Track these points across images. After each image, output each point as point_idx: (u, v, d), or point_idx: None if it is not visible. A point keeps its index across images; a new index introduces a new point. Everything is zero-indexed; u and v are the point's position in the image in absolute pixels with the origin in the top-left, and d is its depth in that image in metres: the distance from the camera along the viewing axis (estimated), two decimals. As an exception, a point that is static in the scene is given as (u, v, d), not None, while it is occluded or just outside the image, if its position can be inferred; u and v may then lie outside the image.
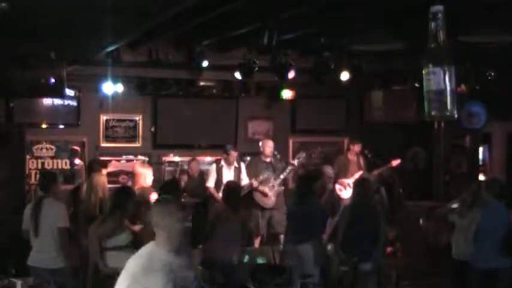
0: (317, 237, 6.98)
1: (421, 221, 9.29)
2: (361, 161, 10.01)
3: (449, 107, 4.13)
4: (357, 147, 10.02)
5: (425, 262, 8.83)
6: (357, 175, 9.46)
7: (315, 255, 6.87)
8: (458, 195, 7.12)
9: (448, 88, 4.12)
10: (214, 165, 9.37)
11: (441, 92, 4.12)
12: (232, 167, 9.30)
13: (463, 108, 10.08)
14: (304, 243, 6.87)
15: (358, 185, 7.18)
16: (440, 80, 4.10)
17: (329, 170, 9.10)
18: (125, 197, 6.00)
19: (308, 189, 7.13)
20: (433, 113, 4.20)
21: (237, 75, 8.96)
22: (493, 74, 8.85)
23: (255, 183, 9.20)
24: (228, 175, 9.23)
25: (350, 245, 6.77)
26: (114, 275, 5.52)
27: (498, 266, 6.14)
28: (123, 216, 5.86)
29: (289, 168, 9.50)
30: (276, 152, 9.51)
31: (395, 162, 9.93)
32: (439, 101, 4.14)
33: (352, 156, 10.02)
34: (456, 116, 4.21)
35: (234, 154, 9.25)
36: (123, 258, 5.60)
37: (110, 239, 5.76)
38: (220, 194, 8.76)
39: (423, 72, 4.21)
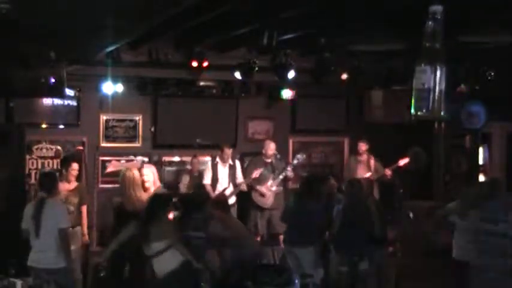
0: (318, 238, 7.00)
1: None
2: (372, 161, 9.96)
3: (436, 107, 4.09)
4: (362, 146, 9.99)
5: (426, 262, 8.83)
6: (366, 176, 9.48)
7: (316, 255, 6.88)
8: (458, 195, 7.13)
9: (437, 88, 4.08)
10: (209, 163, 9.45)
11: (429, 91, 4.08)
12: (227, 165, 9.37)
13: (463, 108, 10.08)
14: (305, 244, 6.87)
15: (349, 186, 7.23)
16: (430, 78, 4.07)
17: (333, 182, 9.12)
18: (159, 205, 6.20)
19: (313, 190, 7.16)
20: (419, 113, 4.16)
21: (237, 75, 8.97)
22: (493, 74, 8.84)
23: (245, 185, 9.26)
24: (222, 172, 9.33)
25: (342, 245, 6.79)
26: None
27: (498, 267, 6.14)
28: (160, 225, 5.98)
29: (289, 168, 9.53)
30: (276, 153, 9.55)
31: (403, 162, 9.90)
32: (426, 99, 4.10)
33: (361, 157, 10.01)
34: (442, 116, 4.18)
35: (227, 151, 9.33)
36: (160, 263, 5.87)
37: (147, 246, 5.88)
38: (216, 192, 8.93)
39: (415, 69, 4.18)
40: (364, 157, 9.99)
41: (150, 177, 7.84)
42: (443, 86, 4.07)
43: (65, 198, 7.38)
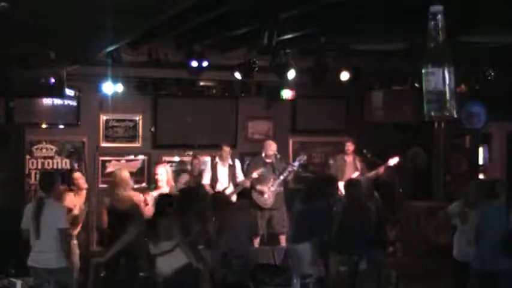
0: (317, 237, 6.99)
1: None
2: (358, 162, 9.96)
3: (448, 107, 4.12)
4: (349, 146, 10.00)
5: (426, 262, 8.84)
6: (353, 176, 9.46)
7: (314, 254, 6.88)
8: (458, 195, 7.13)
9: (448, 88, 4.11)
10: (209, 163, 9.46)
11: (440, 93, 4.11)
12: (227, 164, 9.38)
13: (463, 108, 10.08)
14: (304, 242, 6.88)
15: (349, 186, 7.22)
16: (440, 80, 4.09)
17: None
18: (167, 203, 6.26)
19: (319, 190, 7.17)
20: (432, 114, 4.20)
21: (237, 75, 8.97)
22: (493, 74, 8.84)
23: (248, 182, 9.26)
24: (222, 172, 9.33)
25: (342, 245, 6.79)
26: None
27: (498, 267, 6.14)
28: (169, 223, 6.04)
29: (289, 169, 9.52)
30: (276, 153, 9.55)
31: (393, 161, 9.88)
32: (438, 101, 4.13)
33: (348, 157, 10.00)
34: (455, 116, 4.21)
35: (226, 149, 9.35)
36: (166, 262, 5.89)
37: (155, 244, 5.93)
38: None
39: (422, 72, 4.21)
40: (351, 157, 9.98)
41: (164, 176, 7.86)
42: (453, 86, 4.10)
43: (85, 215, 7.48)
